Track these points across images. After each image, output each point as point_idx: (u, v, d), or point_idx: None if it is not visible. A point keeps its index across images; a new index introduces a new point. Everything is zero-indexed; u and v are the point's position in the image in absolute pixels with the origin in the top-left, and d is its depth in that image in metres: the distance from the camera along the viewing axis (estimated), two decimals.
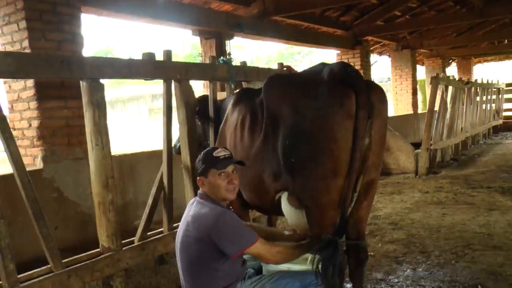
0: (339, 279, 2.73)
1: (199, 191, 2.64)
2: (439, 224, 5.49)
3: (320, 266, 2.66)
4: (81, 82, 3.12)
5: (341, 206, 2.74)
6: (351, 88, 2.60)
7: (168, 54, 3.73)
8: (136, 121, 22.87)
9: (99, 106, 3.17)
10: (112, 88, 30.65)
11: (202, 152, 2.68)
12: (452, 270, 4.09)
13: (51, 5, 4.02)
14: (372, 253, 4.62)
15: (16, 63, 2.65)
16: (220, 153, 2.60)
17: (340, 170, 2.64)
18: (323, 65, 2.91)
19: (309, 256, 2.93)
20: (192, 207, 2.59)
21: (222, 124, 3.71)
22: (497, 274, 3.94)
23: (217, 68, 4.27)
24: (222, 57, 4.58)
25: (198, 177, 2.60)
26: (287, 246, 2.66)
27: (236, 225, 2.46)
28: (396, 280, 3.96)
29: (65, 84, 4.00)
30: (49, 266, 2.98)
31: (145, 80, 3.69)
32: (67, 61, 2.95)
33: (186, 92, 3.90)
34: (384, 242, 4.97)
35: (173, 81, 3.80)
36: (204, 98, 4.31)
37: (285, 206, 3.05)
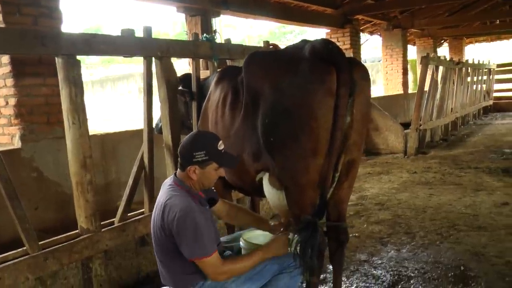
0: (318, 260, 2.70)
1: (177, 175, 2.55)
2: (425, 205, 5.48)
3: (298, 247, 2.62)
4: (56, 58, 3.01)
5: (321, 187, 2.67)
6: (332, 65, 2.52)
7: (148, 30, 3.62)
8: (126, 100, 22.59)
9: (76, 84, 3.06)
10: (102, 67, 30.27)
11: (197, 137, 2.53)
12: (436, 251, 4.09)
13: None
14: (357, 234, 4.61)
15: None
16: (221, 146, 2.51)
17: (320, 149, 2.58)
18: (305, 42, 2.82)
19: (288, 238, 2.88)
20: (166, 190, 2.50)
21: (204, 102, 3.64)
22: (480, 255, 3.94)
23: (200, 46, 4.16)
24: (205, 34, 4.47)
25: (192, 165, 2.45)
26: (240, 261, 2.50)
27: (197, 232, 2.31)
28: (380, 262, 3.95)
29: (43, 61, 3.87)
30: (25, 248, 2.92)
31: (125, 57, 3.59)
32: (41, 36, 2.83)
33: (167, 70, 3.81)
34: (370, 223, 4.95)
35: (153, 58, 3.69)
36: (187, 76, 4.22)
37: (266, 187, 3.00)
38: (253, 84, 2.83)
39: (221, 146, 2.51)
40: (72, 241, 3.16)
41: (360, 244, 4.35)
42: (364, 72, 2.75)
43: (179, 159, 2.55)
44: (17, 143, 3.83)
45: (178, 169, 2.57)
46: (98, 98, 22.81)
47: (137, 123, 9.20)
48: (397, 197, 5.92)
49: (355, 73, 2.61)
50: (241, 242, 2.90)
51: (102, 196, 4.45)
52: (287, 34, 33.61)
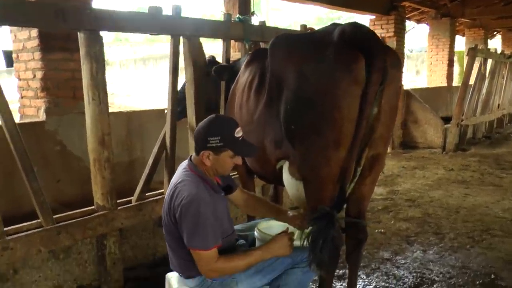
0: (332, 256, 2.55)
1: (192, 159, 2.45)
2: (459, 205, 5.22)
3: (310, 238, 2.48)
4: (78, 33, 2.96)
5: (341, 180, 2.51)
6: (361, 52, 2.34)
7: (177, 8, 3.51)
8: (167, 78, 22.79)
9: (97, 60, 3.01)
10: (146, 45, 30.56)
11: (214, 121, 2.39)
12: (465, 255, 3.87)
13: None
14: (382, 230, 4.43)
15: (3, 9, 2.51)
16: (239, 133, 2.37)
17: (343, 141, 2.41)
18: (335, 25, 2.63)
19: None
20: (180, 173, 2.42)
21: (233, 84, 3.52)
22: None
23: (231, 26, 4.04)
24: (238, 15, 4.33)
25: (205, 151, 2.33)
26: (236, 259, 2.34)
27: (199, 222, 2.20)
28: (403, 261, 3.77)
29: (71, 36, 3.81)
30: (39, 220, 2.93)
31: (151, 34, 3.51)
32: (62, 11, 2.78)
33: (195, 50, 3.71)
34: (398, 219, 4.76)
35: (181, 37, 3.60)
36: (212, 59, 4.09)
37: (286, 176, 2.87)
38: (277, 68, 2.68)
39: (238, 133, 2.38)
40: (86, 217, 3.15)
41: (385, 241, 4.17)
42: (396, 60, 2.54)
43: (194, 142, 2.45)
44: (42, 116, 3.85)
45: (194, 153, 2.47)
46: (141, 75, 23.10)
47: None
48: (429, 195, 5.67)
49: (387, 60, 2.39)
50: (255, 232, 2.81)
51: (126, 174, 4.44)
52: (334, 20, 32.79)
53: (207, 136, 2.34)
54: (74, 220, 3.07)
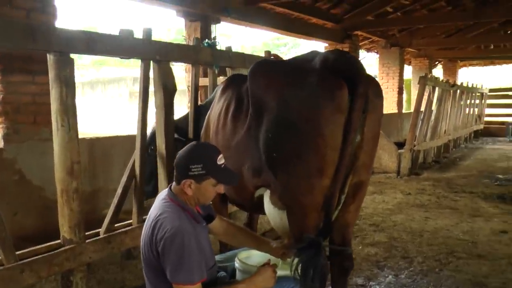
0: (321, 285, 2.50)
1: (172, 189, 2.34)
2: (422, 228, 5.32)
3: (299, 268, 2.42)
4: (48, 55, 2.79)
5: (325, 208, 2.48)
6: (344, 79, 2.34)
7: (147, 32, 3.41)
8: (116, 103, 22.28)
9: (68, 83, 2.84)
10: (93, 68, 29.88)
11: (195, 149, 2.30)
12: (436, 278, 3.91)
13: None
14: (352, 256, 4.41)
15: None
16: (221, 160, 2.28)
17: (326, 169, 2.40)
18: (316, 52, 2.65)
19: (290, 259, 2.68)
20: (159, 204, 2.29)
21: (208, 112, 3.45)
22: (482, 285, 3.78)
23: (201, 51, 3.98)
24: (206, 40, 4.28)
25: (187, 179, 2.23)
26: None
27: (183, 255, 2.09)
28: (378, 287, 3.76)
29: (33, 58, 3.65)
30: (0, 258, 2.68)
31: (121, 58, 3.38)
32: (32, 30, 2.61)
33: (165, 75, 3.60)
34: (365, 245, 4.77)
35: (152, 62, 3.49)
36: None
37: (267, 205, 2.82)
38: (258, 95, 2.64)
39: (221, 160, 2.30)
40: (52, 252, 2.92)
41: (356, 267, 4.13)
42: (378, 89, 2.60)
43: (174, 171, 2.34)
44: (0, 143, 3.59)
45: (174, 182, 2.36)
46: (88, 100, 22.47)
47: (127, 127, 8.96)
48: (392, 219, 5.75)
49: (370, 88, 2.43)
50: (236, 263, 2.70)
51: (88, 204, 4.20)
52: (280, 47, 33.55)
53: (189, 164, 2.25)
54: (39, 256, 2.83)
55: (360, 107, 2.34)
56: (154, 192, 3.63)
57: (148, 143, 3.63)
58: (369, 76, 2.58)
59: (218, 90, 3.44)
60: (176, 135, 3.69)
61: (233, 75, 3.84)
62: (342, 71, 2.39)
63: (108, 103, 22.60)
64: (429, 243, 4.81)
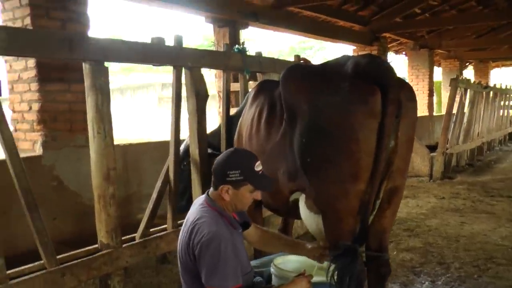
0: None
1: (209, 194, 2.36)
2: (457, 233, 5.19)
3: (335, 275, 2.39)
4: (83, 64, 2.85)
5: (361, 213, 2.47)
6: (377, 84, 2.33)
7: (178, 39, 3.45)
8: (145, 109, 22.61)
9: (103, 91, 2.90)
10: (122, 74, 30.41)
11: (233, 155, 2.32)
12: (474, 285, 3.81)
13: None
14: None
15: (9, 38, 2.39)
16: (259, 166, 2.30)
17: (360, 174, 2.39)
18: (347, 57, 2.64)
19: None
20: (197, 210, 2.31)
21: (240, 119, 3.49)
22: None
23: (231, 57, 4.01)
24: (236, 46, 4.30)
25: (224, 185, 2.25)
26: None
27: (219, 260, 2.10)
28: None
29: (69, 66, 3.74)
30: (42, 262, 2.74)
31: (154, 65, 3.43)
32: (68, 40, 2.68)
33: (197, 81, 3.63)
34: (400, 250, 4.68)
35: (184, 68, 3.53)
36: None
37: (302, 210, 2.80)
38: (291, 100, 2.65)
39: (258, 167, 2.31)
40: (91, 256, 2.97)
41: (392, 273, 3.99)
42: (411, 93, 2.58)
43: (212, 176, 2.36)
44: (38, 150, 3.69)
45: (211, 187, 2.37)
46: (118, 106, 22.87)
47: (157, 133, 9.06)
48: (426, 224, 5.63)
49: (402, 92, 2.42)
50: (272, 268, 2.70)
51: (123, 209, 4.25)
52: (306, 50, 33.46)
53: (227, 170, 2.26)
54: (78, 261, 2.89)
55: (393, 112, 2.33)
56: (187, 207, 3.64)
57: (182, 157, 3.65)
58: (401, 80, 2.57)
59: (249, 96, 3.45)
60: (209, 150, 3.70)
61: (263, 81, 3.84)
62: (374, 76, 2.38)
63: (137, 108, 22.97)
64: (466, 249, 4.69)
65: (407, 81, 11.70)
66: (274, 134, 2.88)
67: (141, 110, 22.39)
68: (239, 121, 3.45)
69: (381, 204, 2.57)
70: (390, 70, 2.47)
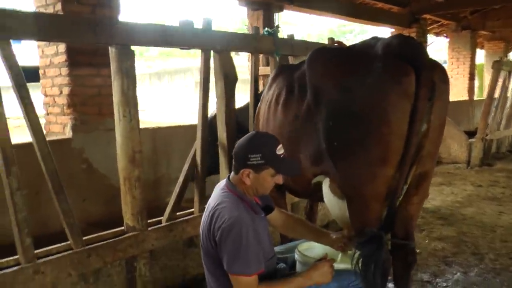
0: (382, 281, 2.41)
1: (230, 179, 2.33)
2: (494, 223, 5.00)
3: (360, 262, 2.34)
4: (109, 48, 2.86)
5: (389, 200, 2.40)
6: (410, 64, 2.24)
7: (208, 22, 3.41)
8: (183, 93, 22.86)
9: (128, 75, 2.91)
10: (160, 59, 30.78)
11: (254, 138, 2.29)
12: (510, 278, 3.66)
13: None
14: (418, 250, 4.23)
15: (37, 24, 2.42)
16: (281, 150, 2.25)
17: (390, 158, 2.31)
18: (376, 39, 2.55)
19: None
20: (218, 194, 2.30)
21: (259, 103, 3.45)
22: None
23: (261, 40, 3.94)
24: (267, 28, 4.23)
25: (245, 169, 2.22)
26: (276, 287, 2.24)
27: (241, 246, 2.08)
28: (445, 284, 3.58)
29: (99, 51, 3.77)
30: (68, 242, 2.81)
31: (181, 49, 3.42)
32: (94, 24, 2.68)
33: (226, 65, 3.60)
34: (432, 239, 4.56)
35: (212, 51, 3.50)
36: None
37: (326, 194, 2.74)
38: (317, 83, 2.57)
39: (280, 150, 2.26)
40: (116, 238, 3.02)
41: (422, 262, 3.97)
42: (444, 75, 2.46)
43: (233, 160, 2.33)
44: (68, 133, 3.77)
45: (232, 171, 2.35)
46: (155, 90, 23.20)
47: (191, 117, 9.12)
48: (461, 212, 5.46)
49: (436, 74, 2.32)
50: (296, 255, 2.68)
51: (151, 192, 4.33)
52: (346, 34, 32.91)
53: (248, 153, 2.22)
54: (104, 242, 2.94)
55: (427, 94, 2.24)
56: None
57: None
58: (434, 61, 2.45)
59: (268, 80, 3.41)
60: None
61: (282, 65, 3.76)
62: (407, 57, 2.29)
63: (174, 93, 23.24)
64: (503, 240, 4.51)
65: (447, 64, 11.32)
66: (294, 117, 2.82)
67: (178, 94, 22.66)
68: (258, 105, 3.41)
69: (408, 189, 2.50)
70: (423, 50, 2.39)
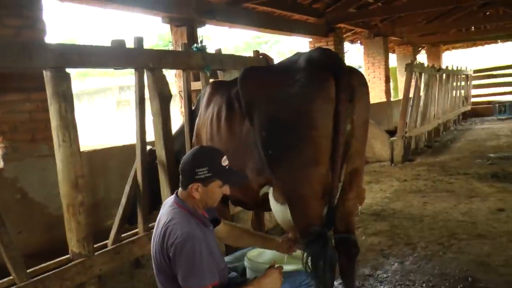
0: (331, 275, 2.56)
1: (178, 195, 2.38)
2: (421, 214, 5.40)
3: (310, 261, 2.47)
4: (44, 71, 2.80)
5: (327, 197, 2.60)
6: (330, 72, 2.50)
7: (139, 41, 3.43)
8: (104, 114, 22.20)
9: (66, 98, 2.85)
10: (77, 80, 29.66)
11: (199, 152, 2.36)
12: (440, 262, 3.99)
13: None
14: None
15: None
16: (226, 161, 2.34)
17: (321, 158, 2.53)
18: (299, 54, 2.82)
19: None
20: (167, 211, 2.33)
21: (197, 120, 3.55)
22: (486, 265, 3.86)
23: (192, 56, 4.00)
24: (195, 45, 4.30)
25: (194, 183, 2.28)
26: None
27: (195, 260, 2.13)
28: (385, 275, 3.82)
29: (27, 75, 3.64)
30: (11, 277, 2.69)
31: (115, 69, 3.40)
32: (27, 48, 2.62)
33: (159, 82, 3.61)
34: (368, 235, 4.83)
35: (145, 70, 3.51)
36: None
37: (271, 202, 2.89)
38: (250, 98, 2.78)
39: (225, 161, 2.36)
40: (63, 267, 2.93)
41: (362, 258, 4.19)
42: (362, 78, 2.75)
43: (180, 176, 2.38)
44: None
45: (180, 188, 2.40)
46: (76, 112, 22.30)
47: (118, 137, 8.90)
48: (391, 207, 5.83)
49: (353, 79, 2.60)
50: (246, 262, 2.77)
51: (91, 216, 4.21)
52: (262, 44, 33.59)
53: (195, 168, 2.29)
54: (50, 273, 2.84)
55: (347, 97, 2.49)
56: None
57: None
58: (351, 68, 2.74)
59: (202, 98, 3.54)
60: None
61: (214, 82, 3.88)
62: (326, 66, 2.54)
63: (95, 114, 22.50)
64: (430, 228, 4.89)
65: (363, 69, 11.97)
66: (236, 132, 2.98)
67: (99, 115, 21.96)
68: (196, 123, 3.51)
69: (343, 186, 2.70)
70: (340, 59, 2.67)
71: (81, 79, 30.20)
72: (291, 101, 2.53)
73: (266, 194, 2.94)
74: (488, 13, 13.66)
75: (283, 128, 2.56)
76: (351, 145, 2.59)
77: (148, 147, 3.64)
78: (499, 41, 18.19)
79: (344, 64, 2.62)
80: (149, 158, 3.61)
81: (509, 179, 6.75)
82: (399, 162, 8.68)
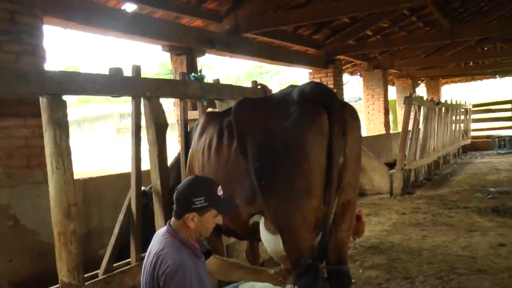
0: None
1: (171, 225, 2.35)
2: (420, 247, 5.32)
3: None
4: (40, 98, 2.80)
5: (319, 229, 2.59)
6: (322, 106, 2.53)
7: (137, 69, 3.45)
8: (104, 140, 22.25)
9: (61, 125, 2.84)
10: (79, 106, 29.84)
11: (196, 182, 2.38)
12: None
13: (9, 14, 3.69)
14: (353, 280, 4.38)
15: None
16: (221, 191, 2.36)
17: (313, 190, 2.52)
18: (292, 87, 2.86)
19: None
20: (159, 240, 2.31)
21: (190, 151, 3.58)
22: None
23: (189, 85, 4.02)
24: (193, 74, 4.33)
25: (190, 213, 2.26)
26: None
27: None
28: None
29: (24, 101, 3.66)
30: None
31: (112, 97, 3.41)
32: (24, 74, 2.63)
33: (156, 111, 3.62)
34: (365, 268, 4.75)
35: (142, 98, 3.52)
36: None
37: (262, 232, 2.88)
38: (243, 129, 2.79)
39: (220, 191, 2.38)
40: None
41: None
42: (354, 112, 2.77)
43: (174, 206, 2.36)
44: None
45: (173, 217, 2.37)
46: (76, 138, 22.37)
47: (117, 165, 8.89)
48: (389, 240, 5.74)
49: (345, 113, 2.63)
50: None
51: (84, 245, 4.15)
52: (263, 74, 34.00)
53: (192, 197, 2.29)
54: None
55: (339, 130, 2.52)
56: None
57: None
58: (344, 102, 2.79)
59: (196, 128, 3.56)
60: None
61: (208, 113, 3.88)
62: (319, 100, 2.58)
63: (95, 140, 22.55)
64: (429, 262, 4.80)
65: (363, 101, 12.06)
66: (227, 162, 2.99)
67: (99, 141, 22.01)
68: (189, 152, 3.52)
69: (335, 218, 2.68)
70: (332, 93, 2.71)
71: (82, 105, 30.40)
72: (285, 133, 2.55)
73: (256, 224, 2.93)
74: (486, 48, 13.86)
75: (276, 160, 2.57)
76: (343, 177, 2.60)
77: (142, 188, 3.62)
78: (497, 76, 18.38)
79: (337, 98, 2.66)
80: (144, 200, 3.59)
81: (510, 214, 6.68)
82: (398, 194, 8.62)
